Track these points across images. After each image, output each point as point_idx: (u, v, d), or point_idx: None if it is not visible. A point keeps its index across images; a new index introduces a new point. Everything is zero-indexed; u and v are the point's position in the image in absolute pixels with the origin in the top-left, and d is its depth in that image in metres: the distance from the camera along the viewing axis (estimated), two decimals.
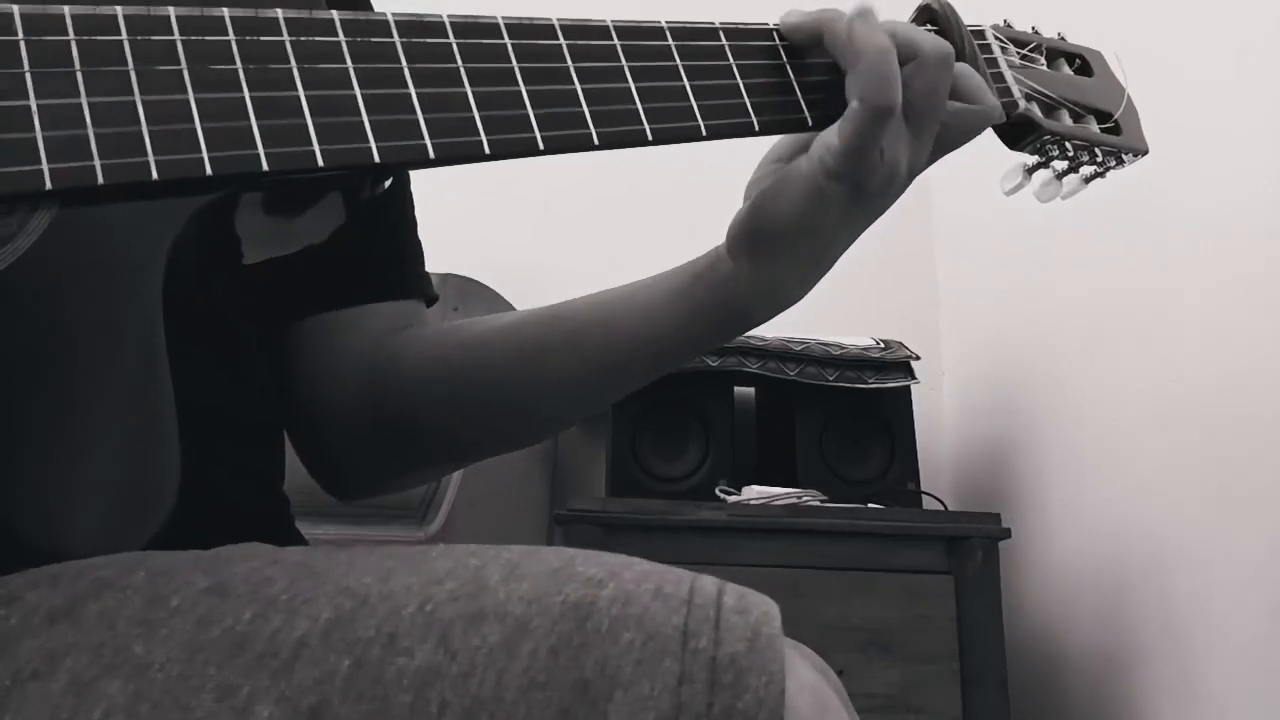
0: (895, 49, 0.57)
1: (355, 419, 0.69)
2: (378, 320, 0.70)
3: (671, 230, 2.18)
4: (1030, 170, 0.71)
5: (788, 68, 0.59)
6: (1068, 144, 0.68)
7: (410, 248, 0.75)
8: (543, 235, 2.05)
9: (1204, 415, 1.43)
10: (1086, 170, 0.71)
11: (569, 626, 0.41)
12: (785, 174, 0.60)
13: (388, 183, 0.46)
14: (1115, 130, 0.71)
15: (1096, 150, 0.70)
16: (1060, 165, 0.70)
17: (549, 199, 2.04)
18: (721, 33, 0.57)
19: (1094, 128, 0.70)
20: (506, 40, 0.49)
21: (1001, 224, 1.92)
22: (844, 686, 0.64)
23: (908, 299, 2.13)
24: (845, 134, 0.57)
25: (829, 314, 1.91)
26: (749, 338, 1.71)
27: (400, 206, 0.75)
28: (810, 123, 0.59)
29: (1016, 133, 0.67)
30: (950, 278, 2.16)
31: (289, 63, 0.43)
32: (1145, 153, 0.72)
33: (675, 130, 0.53)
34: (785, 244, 0.60)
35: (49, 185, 0.38)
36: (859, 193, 0.59)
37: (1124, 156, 0.71)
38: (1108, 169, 0.71)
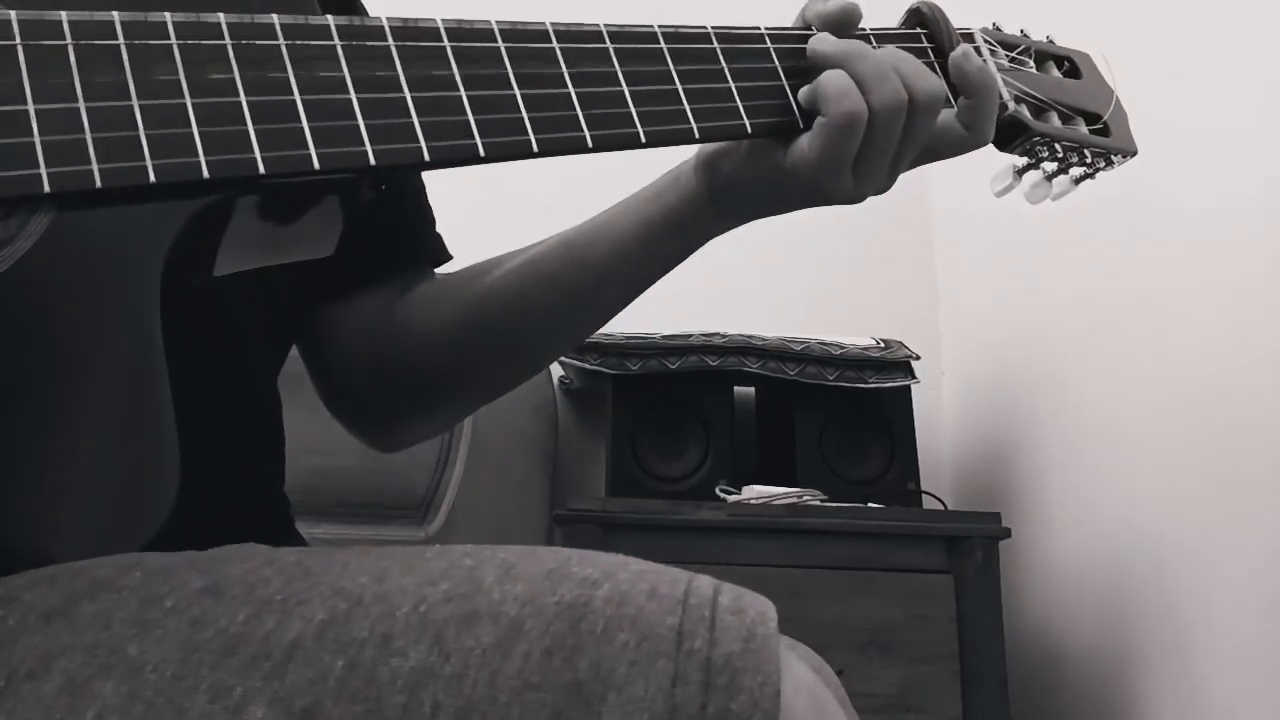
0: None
1: (373, 385, 0.75)
2: (386, 297, 0.75)
3: None
4: (1020, 172, 0.72)
5: (780, 71, 0.59)
6: (1057, 145, 0.69)
7: (416, 219, 0.79)
8: (543, 235, 2.05)
9: (1204, 415, 1.43)
10: (1076, 171, 0.71)
11: (563, 627, 0.41)
12: (762, 155, 0.62)
13: (384, 185, 0.47)
14: (1104, 132, 0.71)
15: (1086, 151, 0.70)
16: (1050, 167, 0.71)
17: (549, 199, 2.03)
18: (713, 36, 0.57)
19: (1083, 129, 0.70)
20: (500, 44, 0.50)
21: (1001, 224, 1.92)
22: (843, 686, 0.64)
23: (908, 299, 2.12)
24: (815, 144, 0.59)
25: (829, 314, 1.92)
26: (749, 337, 1.71)
27: (403, 180, 0.77)
28: (803, 125, 0.59)
29: (1006, 134, 0.68)
30: (950, 278, 2.16)
31: (285, 67, 0.43)
32: (1134, 154, 0.72)
33: (669, 133, 0.54)
34: (741, 202, 0.65)
35: (47, 188, 0.38)
36: (826, 195, 0.62)
37: (1113, 158, 0.71)
38: (1097, 170, 0.71)
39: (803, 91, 0.60)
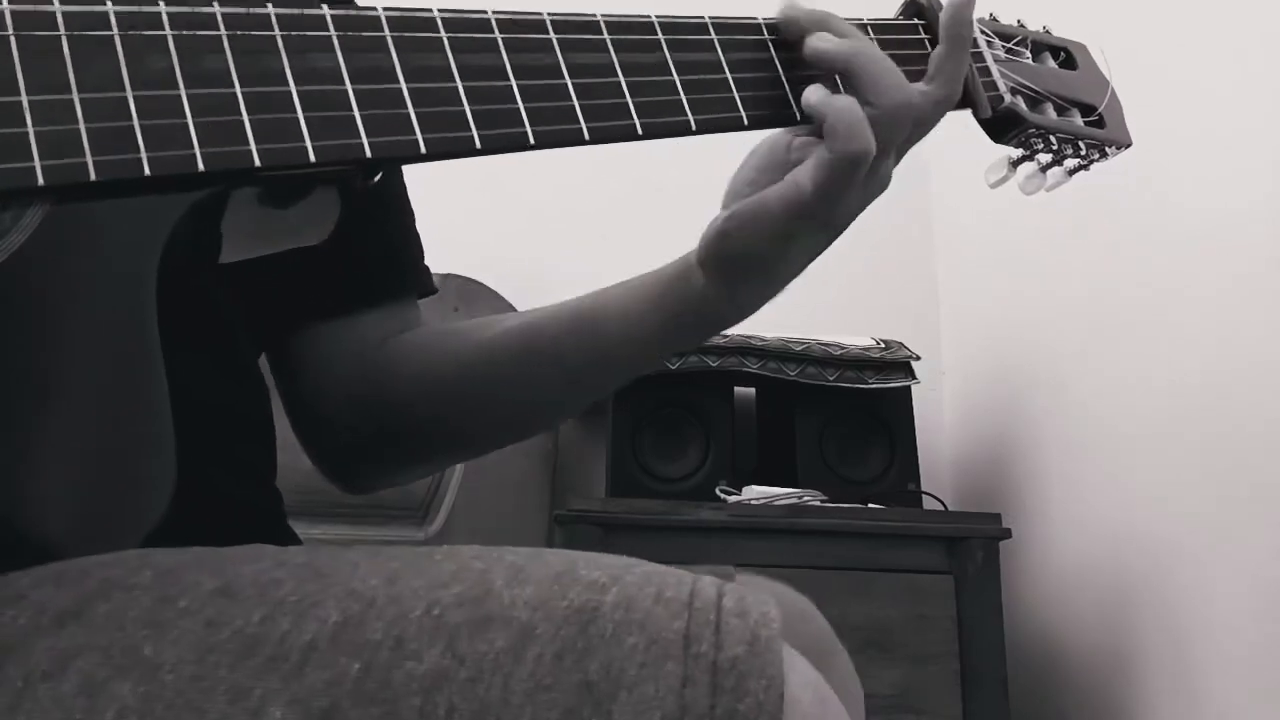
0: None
1: (352, 423, 0.71)
2: (371, 326, 0.72)
3: (673, 228, 2.18)
4: (1015, 163, 0.72)
5: (776, 62, 0.59)
6: (1052, 137, 0.69)
7: (402, 244, 0.76)
8: (544, 235, 2.05)
9: (1205, 415, 1.43)
10: (1070, 163, 0.71)
11: (573, 631, 0.41)
12: (757, 209, 0.60)
13: (378, 176, 0.46)
14: (1099, 123, 0.71)
15: (1080, 143, 0.70)
16: (1045, 158, 0.71)
17: (550, 198, 2.03)
18: (711, 27, 0.57)
19: (1078, 121, 0.70)
20: (497, 35, 0.49)
21: (1002, 224, 1.92)
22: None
23: (908, 299, 2.12)
24: (818, 180, 0.57)
25: (829, 314, 1.92)
26: (749, 337, 1.71)
27: (391, 203, 0.75)
28: (799, 117, 0.59)
29: (1001, 126, 0.68)
30: (950, 278, 2.16)
31: (280, 58, 0.43)
32: (1128, 145, 0.72)
33: (664, 124, 0.53)
34: (753, 269, 0.62)
35: (41, 181, 0.38)
36: (825, 228, 0.60)
37: (1107, 149, 0.71)
38: (1091, 162, 0.71)
39: (810, 98, 0.58)
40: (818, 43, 0.59)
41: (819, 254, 0.63)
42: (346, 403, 0.71)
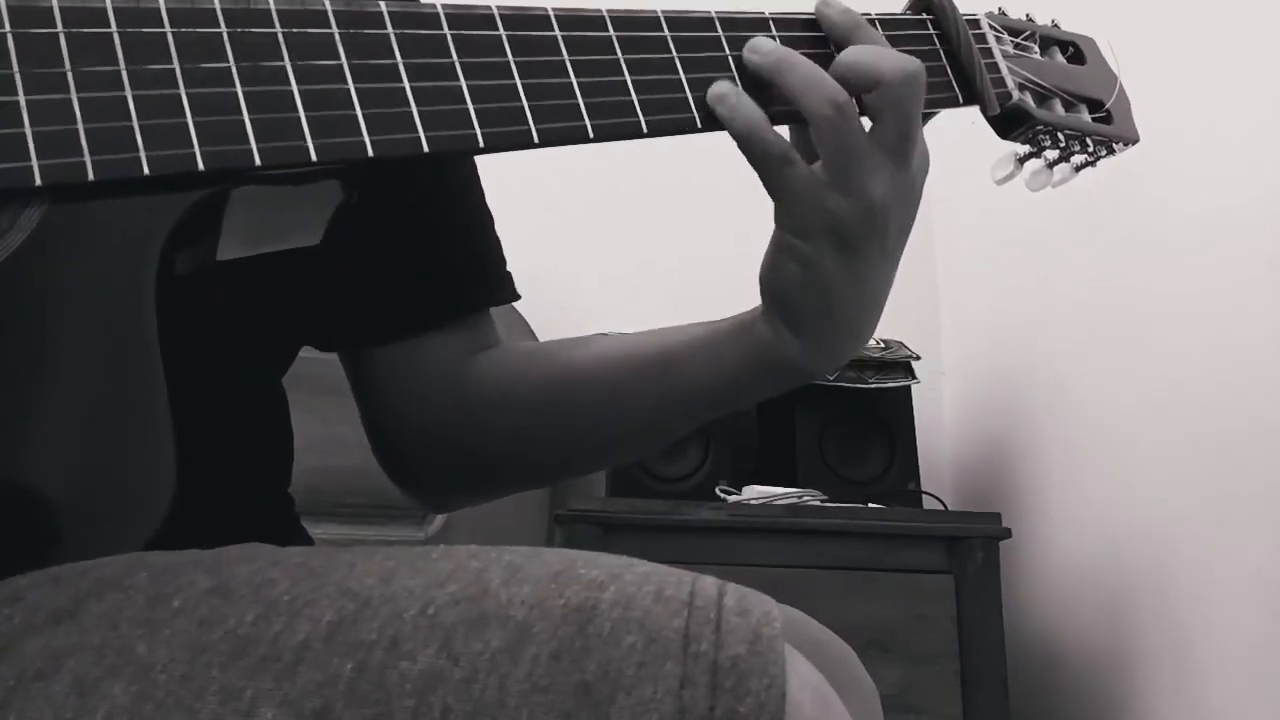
0: (831, 104, 0.54)
1: (431, 444, 0.70)
2: (451, 344, 0.70)
3: (675, 230, 2.18)
4: (1022, 160, 0.71)
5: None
6: (1059, 133, 0.68)
7: (477, 254, 0.74)
8: (546, 236, 2.04)
9: (1204, 415, 1.43)
10: (1077, 159, 0.70)
11: (570, 630, 0.41)
12: (771, 246, 0.58)
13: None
14: (1107, 119, 0.71)
15: (1088, 139, 0.69)
16: (1051, 154, 0.70)
17: (554, 199, 2.03)
18: (718, 22, 0.56)
19: (1085, 117, 0.70)
20: (501, 32, 0.49)
21: (1001, 224, 1.92)
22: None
23: (908, 299, 2.11)
24: (820, 151, 0.55)
25: None
26: None
27: (472, 211, 0.73)
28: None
29: (1009, 123, 0.67)
30: (950, 278, 2.16)
31: (281, 56, 0.43)
32: (1136, 141, 0.72)
33: (670, 122, 0.53)
34: (800, 307, 0.58)
35: (39, 181, 0.38)
36: (842, 243, 0.56)
37: (1115, 145, 0.70)
38: (1098, 158, 0.71)
39: (752, 58, 0.56)
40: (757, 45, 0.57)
41: (872, 280, 0.58)
42: (424, 429, 0.70)
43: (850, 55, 0.57)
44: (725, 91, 0.55)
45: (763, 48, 0.56)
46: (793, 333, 0.59)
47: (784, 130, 0.57)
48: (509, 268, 0.76)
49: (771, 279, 0.59)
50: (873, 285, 0.59)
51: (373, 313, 0.69)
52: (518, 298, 0.75)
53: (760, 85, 0.56)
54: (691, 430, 0.69)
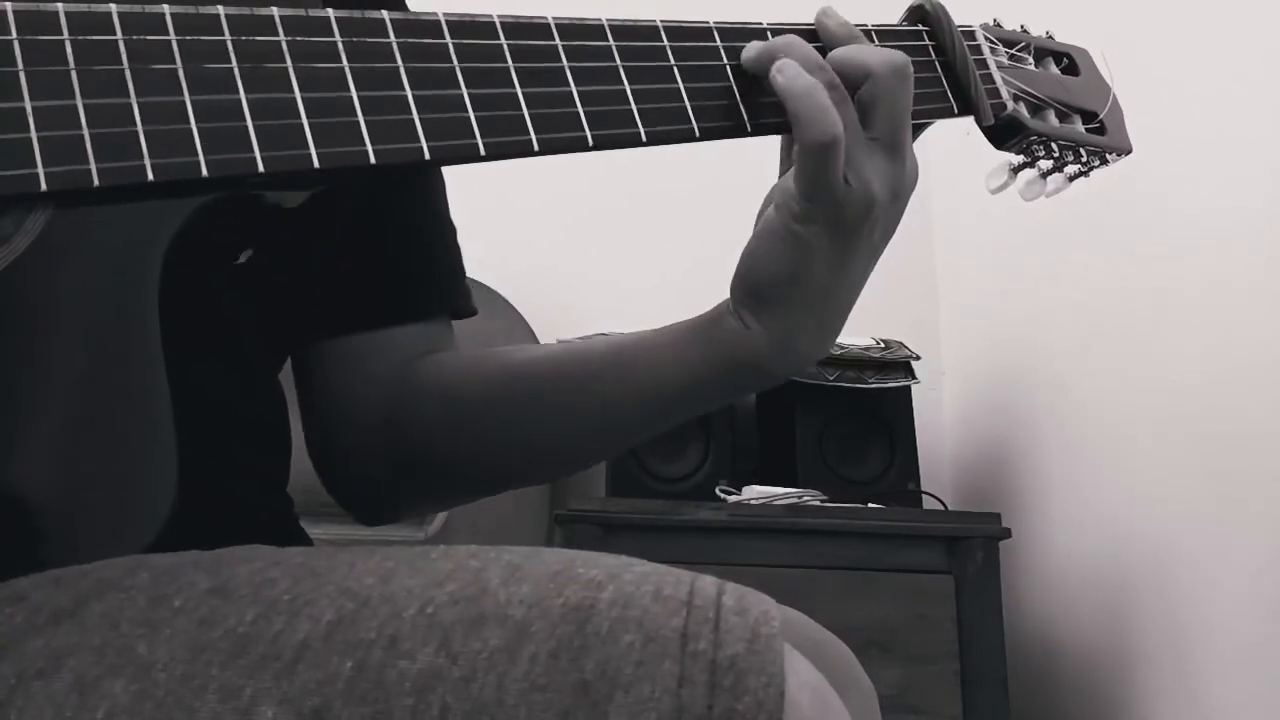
0: (827, 83, 0.55)
1: (371, 446, 0.69)
2: (397, 346, 0.69)
3: (675, 230, 2.18)
4: (1016, 169, 0.72)
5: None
6: (1053, 144, 0.69)
7: (438, 262, 0.73)
8: (547, 237, 2.05)
9: (1204, 416, 1.43)
10: (1071, 169, 0.71)
11: (569, 629, 0.41)
12: (761, 227, 0.58)
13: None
14: (1100, 130, 0.71)
15: (1081, 150, 0.70)
16: (1045, 164, 0.71)
17: (554, 200, 2.03)
18: (716, 32, 0.57)
19: (1079, 127, 0.70)
20: (503, 40, 0.49)
21: (1001, 224, 1.92)
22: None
23: (908, 299, 2.12)
24: (797, 177, 0.55)
25: None
26: None
27: (425, 217, 0.73)
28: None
29: (1003, 133, 0.68)
30: (950, 278, 2.16)
31: (285, 63, 0.43)
32: (1129, 152, 0.72)
33: (670, 132, 0.53)
34: (780, 298, 0.58)
35: (44, 187, 0.38)
36: (838, 230, 0.57)
37: (1108, 156, 0.71)
38: (1092, 168, 0.71)
39: (777, 79, 0.55)
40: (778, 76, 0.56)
41: (853, 272, 0.59)
42: (365, 428, 0.68)
43: (840, 51, 0.58)
44: (785, 63, 0.56)
45: (757, 45, 0.57)
46: (764, 326, 0.59)
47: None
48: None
49: (757, 268, 0.58)
50: (852, 279, 0.60)
51: (320, 308, 0.68)
52: (472, 313, 0.74)
53: (757, 90, 0.57)
54: (655, 434, 0.67)
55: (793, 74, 0.55)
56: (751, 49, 0.57)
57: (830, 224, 0.56)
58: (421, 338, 0.70)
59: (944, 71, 0.64)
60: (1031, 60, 0.71)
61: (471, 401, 0.67)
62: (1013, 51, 0.69)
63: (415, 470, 0.69)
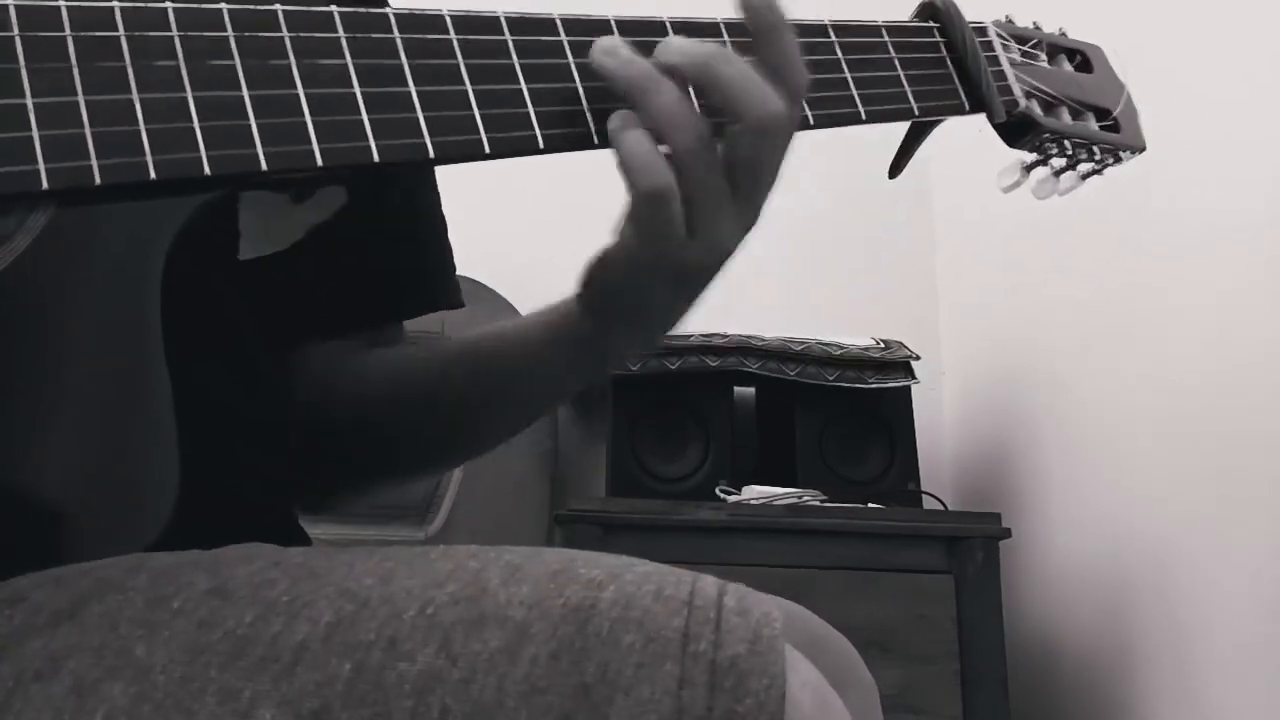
0: (651, 134, 0.50)
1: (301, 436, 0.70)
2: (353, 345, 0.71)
3: None
4: (1028, 168, 0.71)
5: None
6: (1066, 142, 0.68)
7: (429, 259, 0.74)
8: (544, 234, 2.04)
9: (1204, 416, 1.43)
10: (1084, 167, 0.71)
11: (569, 630, 0.41)
12: (606, 251, 0.57)
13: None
14: (1114, 128, 0.71)
15: (1094, 148, 0.69)
16: (1058, 163, 0.70)
17: (551, 196, 2.03)
18: (723, 28, 0.56)
19: (1093, 125, 0.70)
20: (507, 36, 0.49)
21: (1002, 224, 1.92)
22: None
23: (908, 299, 2.12)
24: (630, 221, 0.53)
25: (829, 314, 1.92)
26: (749, 337, 1.71)
27: (417, 213, 0.73)
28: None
29: (1016, 130, 0.67)
30: (950, 278, 2.16)
31: (287, 59, 0.43)
32: (1143, 150, 0.72)
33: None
34: (620, 308, 0.59)
35: (46, 185, 0.38)
36: (682, 269, 0.54)
37: (1121, 154, 0.71)
38: (1105, 166, 0.71)
39: (611, 124, 0.50)
40: (601, 57, 0.50)
41: (698, 288, 0.57)
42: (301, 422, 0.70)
43: (733, 73, 0.52)
44: (620, 114, 0.50)
45: (621, 54, 0.51)
46: (602, 324, 0.60)
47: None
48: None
49: (596, 282, 0.59)
50: (691, 296, 0.58)
51: (321, 308, 0.69)
52: (461, 304, 0.75)
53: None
54: (530, 420, 0.71)
55: (624, 119, 0.50)
56: (612, 57, 0.51)
57: (673, 275, 0.55)
58: (374, 335, 0.72)
59: (955, 68, 0.64)
60: (1044, 57, 0.70)
61: (364, 400, 0.69)
62: (1025, 48, 0.69)
63: (335, 461, 0.71)
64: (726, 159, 0.52)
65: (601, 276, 0.58)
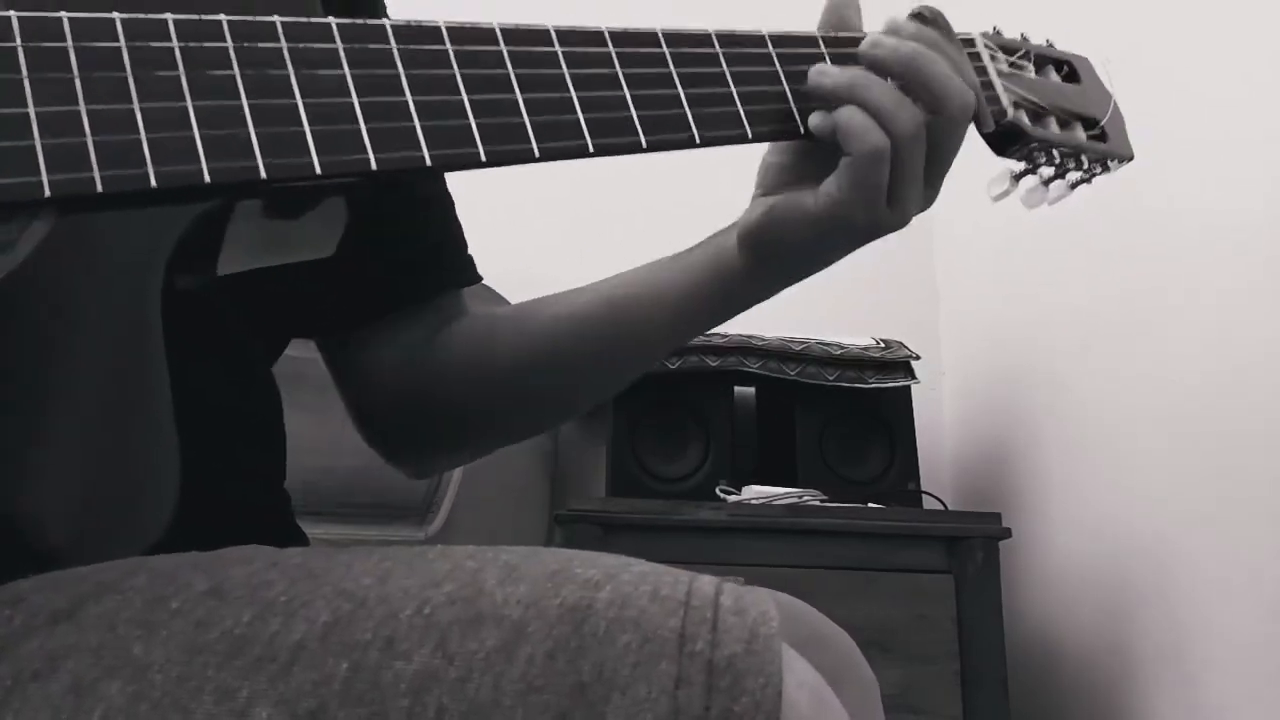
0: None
1: (408, 415, 0.74)
2: (420, 321, 0.74)
3: (671, 228, 2.18)
4: (1017, 177, 0.72)
5: (781, 75, 0.59)
6: (1054, 151, 0.69)
7: (443, 238, 0.77)
8: (544, 233, 2.05)
9: (1204, 415, 1.43)
10: (1072, 176, 0.71)
11: (566, 630, 0.41)
12: (793, 207, 0.62)
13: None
14: (1101, 137, 0.71)
15: (1083, 157, 0.70)
16: (1047, 172, 0.71)
17: (551, 196, 2.03)
18: (716, 40, 0.57)
19: (1080, 134, 0.70)
20: (503, 47, 0.49)
21: (1001, 225, 1.92)
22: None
23: (908, 299, 2.12)
24: (845, 183, 0.59)
25: (829, 314, 1.91)
26: (749, 337, 1.71)
27: (423, 199, 0.75)
28: (803, 132, 0.59)
29: (1004, 140, 0.68)
30: (950, 278, 2.16)
31: (286, 69, 0.43)
32: (1130, 159, 0.72)
33: (669, 140, 0.53)
34: (787, 256, 0.65)
35: (48, 194, 0.38)
36: (870, 229, 0.62)
37: (1110, 163, 0.71)
38: (1093, 175, 0.71)
39: (815, 121, 0.59)
40: (818, 78, 0.60)
41: (855, 247, 0.65)
42: (404, 400, 0.74)
43: (930, 69, 0.61)
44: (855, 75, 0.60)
45: (831, 71, 0.60)
46: (761, 268, 0.65)
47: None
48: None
49: (776, 234, 0.63)
50: (847, 253, 0.65)
51: (347, 298, 0.71)
52: (480, 279, 0.79)
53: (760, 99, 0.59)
54: (654, 363, 0.75)
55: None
56: (827, 75, 0.60)
57: (866, 221, 0.61)
58: (442, 308, 0.75)
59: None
60: (1032, 68, 0.71)
61: (491, 369, 0.73)
62: (1013, 59, 0.70)
63: (451, 428, 0.75)
64: (929, 142, 0.61)
65: (778, 232, 0.63)
